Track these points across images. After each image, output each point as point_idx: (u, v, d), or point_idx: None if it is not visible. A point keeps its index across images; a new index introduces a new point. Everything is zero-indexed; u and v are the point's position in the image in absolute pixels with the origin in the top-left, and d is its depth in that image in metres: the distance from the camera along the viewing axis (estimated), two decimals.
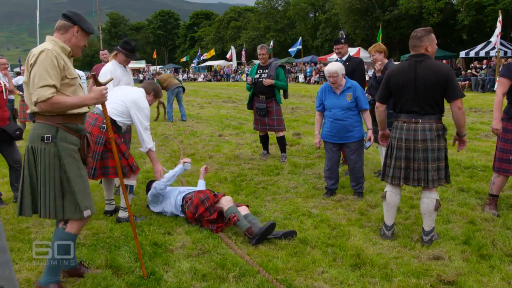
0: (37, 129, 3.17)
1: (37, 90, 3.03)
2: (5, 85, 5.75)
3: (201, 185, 5.42)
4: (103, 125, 4.85)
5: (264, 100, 7.44)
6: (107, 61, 8.85)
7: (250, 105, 7.78)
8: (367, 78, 11.64)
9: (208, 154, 8.39)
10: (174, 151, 8.88)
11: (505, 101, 4.83)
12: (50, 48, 3.12)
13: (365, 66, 6.91)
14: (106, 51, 9.38)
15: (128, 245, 4.25)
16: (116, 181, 5.53)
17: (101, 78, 5.34)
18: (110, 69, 5.65)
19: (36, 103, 3.05)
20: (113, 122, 4.84)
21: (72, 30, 3.31)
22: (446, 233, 4.30)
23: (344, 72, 5.43)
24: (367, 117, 5.52)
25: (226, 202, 4.59)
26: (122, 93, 4.98)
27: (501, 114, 4.76)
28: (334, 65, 5.34)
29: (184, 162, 5.39)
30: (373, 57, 6.26)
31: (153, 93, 5.18)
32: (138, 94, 5.00)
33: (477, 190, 5.65)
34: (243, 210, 4.62)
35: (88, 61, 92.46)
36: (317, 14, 60.02)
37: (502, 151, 4.81)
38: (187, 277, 3.60)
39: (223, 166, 7.43)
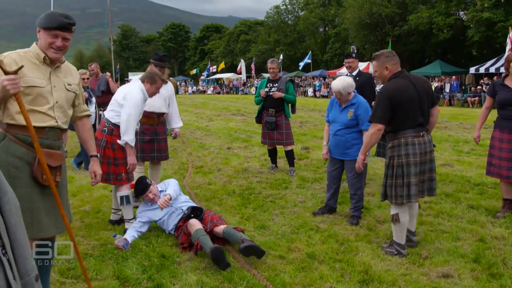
0: None
1: None
2: None
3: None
4: (104, 128, 4.94)
5: (274, 114, 7.47)
6: (97, 75, 8.98)
7: (258, 119, 7.80)
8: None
9: (217, 167, 8.40)
10: (182, 163, 8.90)
11: None
12: (6, 55, 2.90)
13: (375, 81, 6.90)
14: (93, 65, 9.26)
15: (136, 257, 4.25)
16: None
17: (149, 102, 5.52)
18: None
19: None
20: (114, 125, 4.94)
21: (39, 34, 3.04)
22: (456, 250, 4.26)
23: (350, 90, 5.21)
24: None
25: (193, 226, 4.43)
26: (119, 92, 5.07)
27: (482, 125, 5.62)
28: (339, 84, 5.15)
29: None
30: None
31: (147, 80, 5.06)
32: (130, 87, 5.02)
33: (487, 207, 5.60)
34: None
35: None
36: (326, 28, 60.22)
37: (489, 155, 5.44)
38: None
39: (231, 179, 7.43)
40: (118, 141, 4.89)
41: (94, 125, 8.36)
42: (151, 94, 5.11)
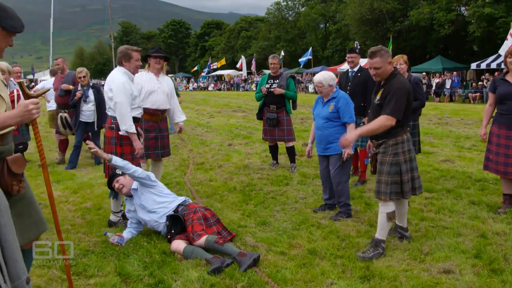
0: None
1: None
2: (18, 93, 5.81)
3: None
4: (112, 125, 4.96)
5: (275, 110, 7.47)
6: (63, 70, 8.75)
7: (260, 115, 7.80)
8: None
9: (218, 164, 8.41)
10: (183, 160, 8.90)
11: None
12: None
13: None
14: (60, 59, 8.97)
15: (137, 253, 4.26)
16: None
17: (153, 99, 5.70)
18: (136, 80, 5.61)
19: None
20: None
21: None
22: (457, 246, 4.25)
23: (332, 83, 5.24)
24: (349, 131, 5.08)
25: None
26: (106, 86, 5.06)
27: (488, 122, 5.57)
28: (321, 75, 5.29)
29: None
30: (400, 66, 6.26)
31: (123, 60, 4.98)
32: (112, 76, 5.00)
33: (489, 203, 5.59)
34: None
35: (99, 69, 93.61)
36: (327, 24, 60.10)
37: (487, 150, 5.50)
38: (195, 286, 3.59)
39: (232, 175, 7.44)
40: (120, 132, 4.92)
41: (88, 124, 8.34)
42: (134, 70, 5.06)
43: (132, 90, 5.00)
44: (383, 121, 4.04)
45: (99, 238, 4.70)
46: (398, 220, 4.52)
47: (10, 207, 2.59)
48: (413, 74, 6.95)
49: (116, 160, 4.54)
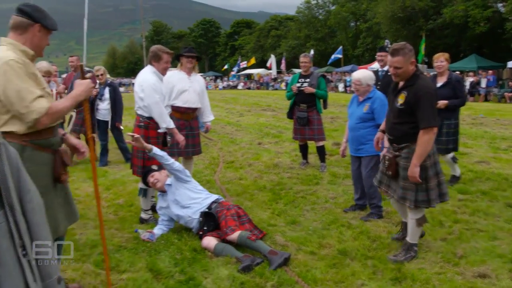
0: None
1: (31, 105, 2.67)
2: (56, 93, 5.95)
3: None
4: (140, 124, 5.05)
5: (305, 109, 7.44)
6: (76, 69, 8.63)
7: (290, 114, 7.78)
8: None
9: (247, 162, 8.43)
10: (213, 158, 8.95)
11: None
12: (13, 58, 2.71)
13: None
14: (74, 57, 8.87)
15: (168, 250, 4.31)
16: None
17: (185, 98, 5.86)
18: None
19: (37, 120, 2.70)
20: (149, 118, 5.05)
21: (33, 29, 2.84)
22: (493, 250, 4.15)
23: (370, 82, 5.16)
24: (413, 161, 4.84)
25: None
26: (136, 85, 5.17)
27: None
28: (360, 73, 5.20)
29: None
30: (441, 64, 6.15)
31: (153, 60, 5.09)
32: (143, 76, 5.09)
33: None
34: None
35: (131, 68, 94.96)
36: (358, 23, 59.47)
37: None
38: (225, 284, 3.61)
39: (262, 174, 7.44)
40: (159, 130, 5.06)
41: (106, 122, 8.39)
42: (162, 71, 5.13)
43: (161, 89, 5.10)
44: (425, 136, 3.76)
45: (130, 234, 4.78)
46: (409, 236, 4.20)
47: (57, 196, 2.93)
48: (432, 73, 6.80)
49: (157, 151, 4.63)
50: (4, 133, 2.69)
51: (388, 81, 6.37)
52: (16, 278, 1.29)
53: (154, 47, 5.13)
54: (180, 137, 5.17)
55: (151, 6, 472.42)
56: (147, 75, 5.04)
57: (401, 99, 3.93)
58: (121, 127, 8.54)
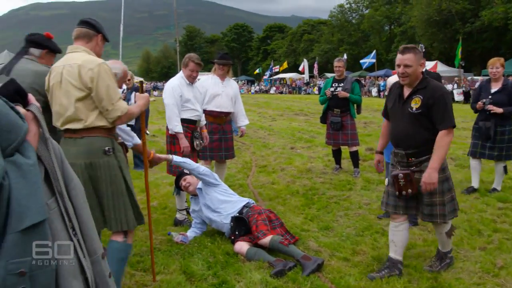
0: (95, 143, 3.07)
1: (116, 104, 3.04)
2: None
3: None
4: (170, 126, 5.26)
5: (339, 114, 7.39)
6: (129, 82, 8.46)
7: (323, 119, 7.74)
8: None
9: (280, 167, 8.42)
10: (246, 162, 8.98)
11: None
12: (103, 61, 3.13)
13: (443, 81, 6.66)
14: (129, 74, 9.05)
15: (201, 253, 4.34)
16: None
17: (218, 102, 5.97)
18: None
19: (118, 118, 3.07)
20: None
21: (96, 38, 3.27)
22: None
23: None
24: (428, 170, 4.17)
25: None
26: None
27: None
28: (395, 78, 4.99)
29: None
30: (496, 70, 6.01)
31: (182, 65, 5.38)
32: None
33: None
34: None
35: (165, 72, 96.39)
36: (392, 27, 58.80)
37: None
38: None
39: (295, 179, 7.42)
40: (170, 132, 5.27)
41: (132, 126, 8.44)
42: (187, 77, 5.30)
43: (183, 93, 5.23)
44: (446, 138, 3.55)
45: (164, 237, 4.83)
46: (441, 246, 4.01)
47: (132, 189, 3.29)
48: (485, 77, 6.64)
49: (177, 158, 4.66)
50: (93, 128, 3.06)
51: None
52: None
53: (188, 54, 5.38)
54: (184, 143, 5.16)
55: (184, 11, 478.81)
56: (173, 78, 5.36)
57: (416, 104, 3.65)
58: (147, 132, 8.65)
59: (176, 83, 5.24)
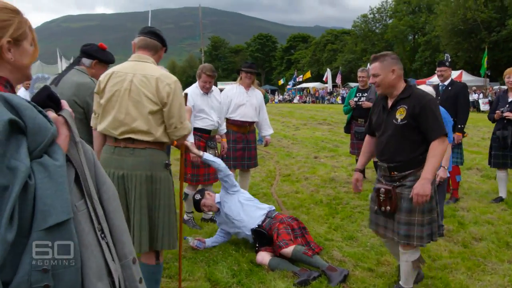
0: (156, 156, 3.01)
1: (185, 123, 3.03)
2: None
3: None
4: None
5: (363, 124, 7.34)
6: None
7: (347, 129, 7.70)
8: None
9: (304, 176, 8.39)
10: (270, 171, 8.98)
11: None
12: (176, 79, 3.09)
13: (469, 90, 6.59)
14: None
15: (226, 261, 4.35)
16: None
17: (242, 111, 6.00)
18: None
19: (183, 137, 3.09)
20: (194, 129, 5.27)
21: (161, 51, 3.22)
22: None
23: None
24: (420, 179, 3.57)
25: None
26: None
27: None
28: (420, 88, 5.01)
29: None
30: (508, 79, 5.95)
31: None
32: None
33: None
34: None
35: (190, 82, 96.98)
36: (416, 36, 58.22)
37: None
38: None
39: (318, 188, 7.39)
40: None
41: None
42: (201, 88, 5.35)
43: (196, 102, 5.26)
44: (442, 147, 3.24)
45: (188, 245, 4.86)
46: (403, 280, 3.61)
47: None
48: (502, 87, 6.55)
49: (208, 156, 4.67)
50: (154, 142, 3.00)
51: (448, 96, 6.23)
52: (96, 257, 1.44)
53: (200, 65, 5.49)
54: (195, 152, 5.02)
55: (210, 22, 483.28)
56: (189, 88, 5.36)
57: (401, 114, 3.34)
58: None
59: (189, 92, 5.18)
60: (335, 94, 48.85)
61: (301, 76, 57.85)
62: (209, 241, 4.81)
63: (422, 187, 3.17)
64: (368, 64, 42.59)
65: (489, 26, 38.70)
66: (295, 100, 54.17)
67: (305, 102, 52.17)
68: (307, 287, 3.75)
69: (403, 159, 3.35)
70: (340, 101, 42.07)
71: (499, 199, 6.27)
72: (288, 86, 62.54)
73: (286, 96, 58.45)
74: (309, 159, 10.45)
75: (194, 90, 5.34)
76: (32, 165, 1.27)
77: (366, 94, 7.38)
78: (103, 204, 1.54)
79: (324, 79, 52.26)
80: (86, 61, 3.68)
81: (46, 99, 1.47)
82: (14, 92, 1.51)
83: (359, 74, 7.53)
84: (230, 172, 4.81)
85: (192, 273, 4.11)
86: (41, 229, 1.24)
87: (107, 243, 1.51)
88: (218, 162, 4.72)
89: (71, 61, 4.30)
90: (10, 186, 1.20)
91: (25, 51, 1.52)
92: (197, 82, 5.43)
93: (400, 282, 3.59)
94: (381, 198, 3.40)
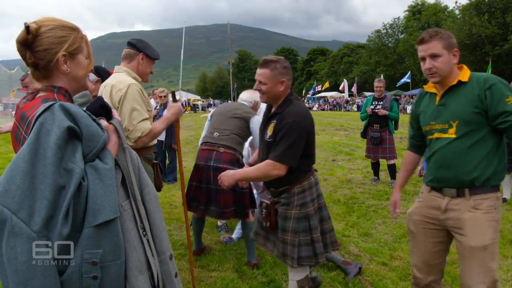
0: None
1: (138, 125, 2.83)
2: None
3: None
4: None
5: (378, 129, 7.29)
6: (164, 99, 8.05)
7: (364, 134, 7.65)
8: None
9: (323, 177, 8.34)
10: None
11: None
12: (134, 82, 2.93)
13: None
14: (163, 89, 8.37)
15: None
16: None
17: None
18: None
19: (138, 139, 2.85)
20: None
21: (138, 57, 3.08)
22: None
23: None
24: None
25: None
26: None
27: None
28: None
29: None
30: None
31: None
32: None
33: None
34: None
35: (219, 91, 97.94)
36: None
37: None
38: None
39: (336, 188, 7.33)
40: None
41: (162, 142, 7.98)
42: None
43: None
44: (268, 169, 2.65)
45: (218, 238, 4.89)
46: None
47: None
48: None
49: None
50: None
51: None
52: (138, 252, 1.48)
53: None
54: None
55: (237, 37, 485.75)
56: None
57: (270, 131, 2.78)
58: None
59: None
60: (351, 102, 48.46)
61: (320, 86, 57.58)
62: (234, 237, 4.82)
63: (228, 175, 2.81)
64: (381, 76, 42.12)
65: (493, 41, 37.84)
66: (314, 108, 53.93)
67: (323, 109, 51.89)
68: (325, 279, 3.72)
69: None
70: (355, 109, 41.79)
71: (503, 200, 6.12)
72: (308, 95, 62.32)
73: (306, 104, 58.13)
74: (328, 161, 10.37)
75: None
76: (86, 168, 1.31)
77: (382, 102, 7.32)
78: (145, 205, 1.57)
79: (341, 88, 51.91)
80: (91, 75, 3.53)
81: (99, 109, 1.51)
82: (72, 101, 1.55)
83: (375, 84, 7.47)
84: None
85: (221, 264, 4.13)
86: (92, 226, 1.27)
87: (148, 240, 1.54)
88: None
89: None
90: (66, 186, 1.23)
91: (80, 63, 1.56)
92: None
93: None
94: (263, 212, 2.92)
